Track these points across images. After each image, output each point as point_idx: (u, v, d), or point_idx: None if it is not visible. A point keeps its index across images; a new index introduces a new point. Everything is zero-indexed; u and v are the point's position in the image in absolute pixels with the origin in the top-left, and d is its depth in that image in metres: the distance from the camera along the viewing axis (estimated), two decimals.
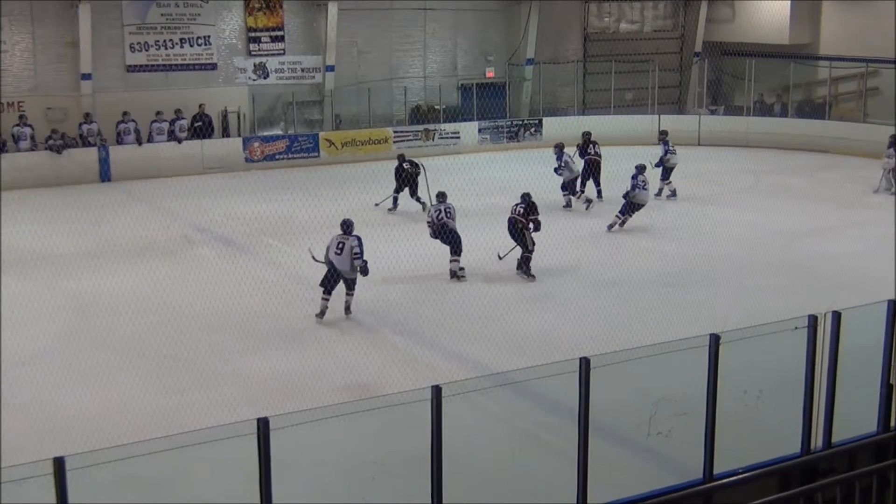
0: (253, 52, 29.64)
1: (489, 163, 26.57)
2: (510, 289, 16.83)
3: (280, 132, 29.68)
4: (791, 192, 24.12)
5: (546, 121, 31.98)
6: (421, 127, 30.58)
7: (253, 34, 29.57)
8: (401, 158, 22.78)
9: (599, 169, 23.68)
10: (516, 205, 17.87)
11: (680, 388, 10.32)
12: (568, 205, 22.63)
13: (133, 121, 26.76)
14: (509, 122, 31.90)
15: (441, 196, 18.16)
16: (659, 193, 23.48)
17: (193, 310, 15.47)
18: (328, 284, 15.19)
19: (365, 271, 15.25)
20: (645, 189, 20.72)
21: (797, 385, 9.18)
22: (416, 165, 21.84)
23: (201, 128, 27.74)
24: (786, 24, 33.26)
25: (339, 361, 13.42)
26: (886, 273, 16.74)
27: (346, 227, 15.50)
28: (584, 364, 8.11)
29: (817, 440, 9.09)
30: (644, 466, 9.98)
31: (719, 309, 14.84)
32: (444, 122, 31.09)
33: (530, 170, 24.40)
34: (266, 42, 29.78)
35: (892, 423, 9.40)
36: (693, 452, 8.81)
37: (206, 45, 28.94)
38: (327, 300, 15.21)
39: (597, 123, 28.74)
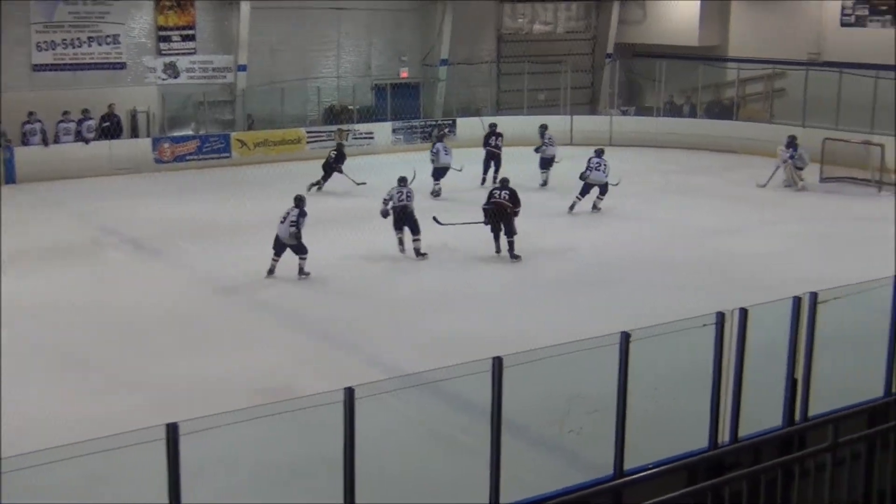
0: (163, 52, 29.19)
1: (403, 163, 26.50)
2: (425, 289, 16.86)
3: (191, 132, 29.27)
4: (701, 191, 24.53)
5: (460, 121, 32.08)
6: (335, 127, 30.42)
7: (163, 33, 29.13)
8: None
9: (500, 161, 25.16)
10: (498, 190, 18.83)
11: (592, 385, 10.42)
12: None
13: (39, 121, 26.16)
14: (423, 123, 31.92)
15: (402, 181, 19.15)
16: (545, 184, 25.16)
17: (104, 314, 15.21)
18: (276, 248, 17.26)
19: (296, 237, 17.11)
20: (598, 171, 21.90)
21: (705, 381, 9.32)
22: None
23: (110, 128, 27.25)
24: (695, 26, 33.85)
25: (253, 365, 13.29)
26: (793, 270, 17.15)
27: (296, 200, 17.49)
28: (497, 363, 8.14)
29: (724, 435, 9.24)
30: (556, 464, 10.07)
31: (631, 307, 15.03)
32: (358, 122, 30.97)
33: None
34: (177, 41, 29.37)
35: (797, 418, 9.61)
36: (604, 449, 8.90)
37: (114, 44, 28.42)
38: (276, 261, 17.19)
39: (510, 123, 28.95)
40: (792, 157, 25.18)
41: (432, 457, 9.94)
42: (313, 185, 24.16)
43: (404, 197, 18.76)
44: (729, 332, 9.20)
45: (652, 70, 33.72)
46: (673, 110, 33.70)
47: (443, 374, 8.82)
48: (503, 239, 18.51)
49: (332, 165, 24.66)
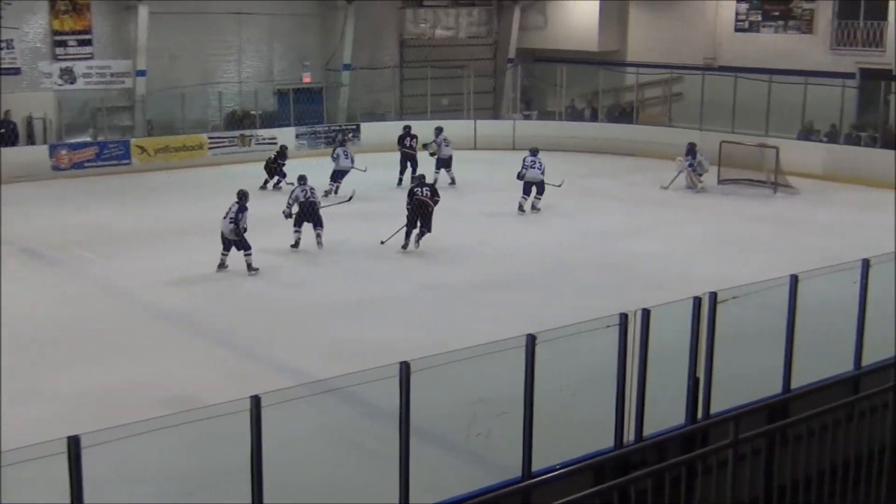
0: (59, 57, 28.57)
1: (306, 168, 26.35)
2: (332, 295, 16.77)
3: (89, 139, 28.68)
4: (603, 194, 24.88)
5: (364, 126, 32.04)
6: (237, 133, 30.12)
7: (59, 38, 28.51)
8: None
9: (416, 162, 25.62)
10: (419, 188, 19.48)
11: (499, 388, 10.49)
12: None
13: None
14: (327, 128, 31.78)
15: (302, 179, 19.92)
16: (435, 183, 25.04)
17: (3, 326, 14.80)
18: (223, 243, 17.69)
19: (236, 233, 17.44)
20: (534, 168, 22.63)
21: (610, 382, 9.46)
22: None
23: (5, 135, 26.58)
24: (595, 31, 34.33)
25: (158, 374, 13.09)
26: (693, 271, 17.49)
27: (239, 196, 17.82)
28: (404, 368, 8.15)
29: (630, 434, 9.39)
30: (465, 467, 10.12)
31: (537, 309, 15.17)
32: (261, 127, 30.71)
33: (348, 175, 24.45)
34: (73, 46, 28.76)
35: (699, 416, 9.80)
36: (512, 451, 8.97)
37: (8, 48, 27.71)
38: (224, 255, 17.68)
39: (414, 128, 28.94)
40: (691, 164, 25.72)
41: (341, 463, 9.91)
42: (262, 187, 24.64)
43: (310, 193, 19.43)
44: (632, 332, 9.35)
45: (553, 75, 34.10)
46: (574, 114, 34.12)
47: (350, 379, 8.78)
48: (414, 235, 19.10)
49: (273, 165, 25.28)
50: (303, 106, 31.58)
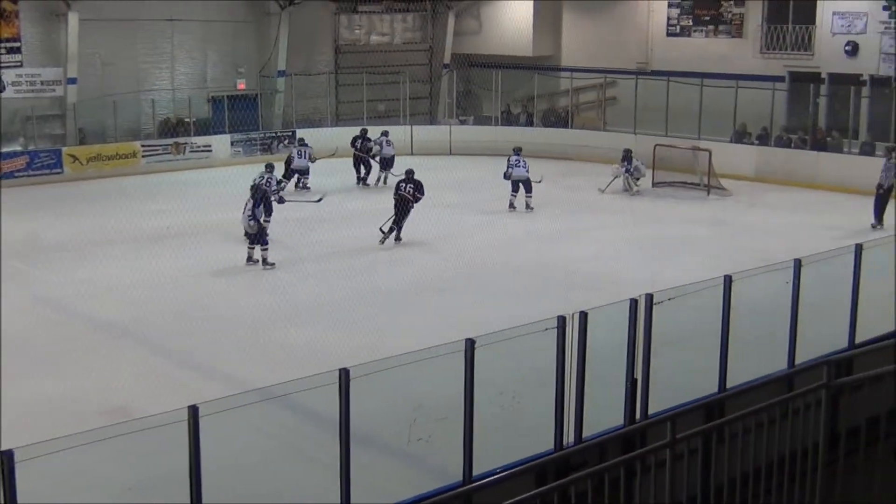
0: None
1: (242, 176, 26.22)
2: (271, 301, 16.63)
3: (19, 148, 28.19)
4: (539, 197, 24.96)
5: (300, 132, 31.84)
6: (171, 140, 29.83)
7: None
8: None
9: (369, 164, 27.26)
10: (404, 182, 20.62)
11: (439, 393, 10.51)
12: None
13: None
14: (262, 135, 31.61)
15: (269, 167, 21.51)
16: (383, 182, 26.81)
17: None
18: (247, 236, 18.59)
19: (254, 228, 18.29)
20: (519, 167, 23.79)
21: (550, 384, 9.52)
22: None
23: None
24: (529, 37, 34.56)
25: (95, 386, 12.89)
26: (629, 273, 17.65)
27: (252, 190, 18.95)
28: (344, 375, 8.14)
29: (570, 436, 9.46)
30: (406, 472, 10.12)
31: (476, 313, 15.20)
32: (195, 135, 30.44)
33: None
34: (1, 54, 28.27)
35: (637, 416, 9.90)
36: (453, 455, 8.99)
37: None
38: (251, 249, 18.55)
39: (350, 135, 28.92)
40: (627, 170, 26.01)
41: (281, 471, 9.86)
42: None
43: (264, 181, 20.73)
44: (570, 335, 9.43)
45: (489, 80, 34.24)
46: (510, 119, 34.31)
47: (290, 387, 8.75)
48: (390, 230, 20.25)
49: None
50: (237, 113, 31.37)
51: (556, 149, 31.48)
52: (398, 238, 20.43)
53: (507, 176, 23.86)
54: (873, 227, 21.27)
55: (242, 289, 17.53)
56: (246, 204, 18.58)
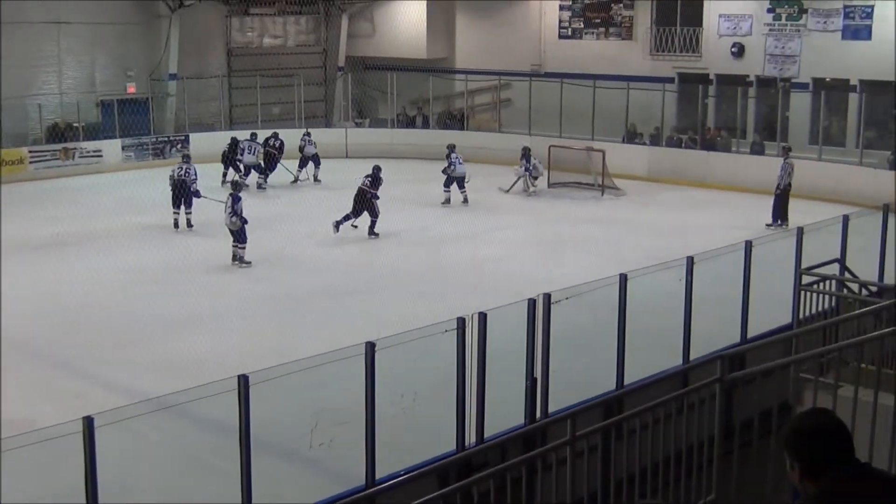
0: None
1: (134, 181, 25.77)
2: (167, 310, 16.32)
3: None
4: (437, 200, 25.05)
5: (193, 136, 31.40)
6: (59, 146, 29.10)
7: None
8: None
9: (275, 163, 27.65)
10: (366, 176, 21.63)
11: (340, 397, 10.47)
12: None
13: None
14: (154, 139, 31.05)
15: (186, 158, 22.39)
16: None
17: None
18: (233, 236, 18.97)
19: (237, 224, 18.76)
20: (459, 164, 24.84)
21: (451, 386, 9.55)
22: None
23: None
24: (423, 39, 34.63)
25: None
26: (526, 273, 17.80)
27: (233, 186, 20.17)
28: (244, 381, 8.05)
29: (471, 437, 9.51)
30: (308, 478, 10.06)
31: (376, 317, 15.16)
32: (84, 140, 29.75)
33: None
34: None
35: (538, 415, 10.00)
36: (355, 459, 8.96)
37: None
38: (237, 247, 18.94)
39: (244, 138, 28.58)
40: (527, 168, 26.24)
41: (180, 480, 9.71)
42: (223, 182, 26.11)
43: (183, 173, 21.60)
44: (470, 336, 9.47)
45: (384, 82, 34.20)
46: (406, 122, 34.33)
47: (187, 395, 8.62)
48: (355, 220, 21.18)
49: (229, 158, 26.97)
50: (128, 117, 30.70)
51: None
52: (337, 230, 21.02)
53: (447, 171, 24.84)
54: (768, 226, 21.77)
55: (138, 297, 17.16)
56: (226, 202, 19.02)
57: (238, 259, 18.82)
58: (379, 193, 21.49)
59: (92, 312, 16.24)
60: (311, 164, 28.14)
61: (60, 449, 7.42)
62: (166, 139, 31.19)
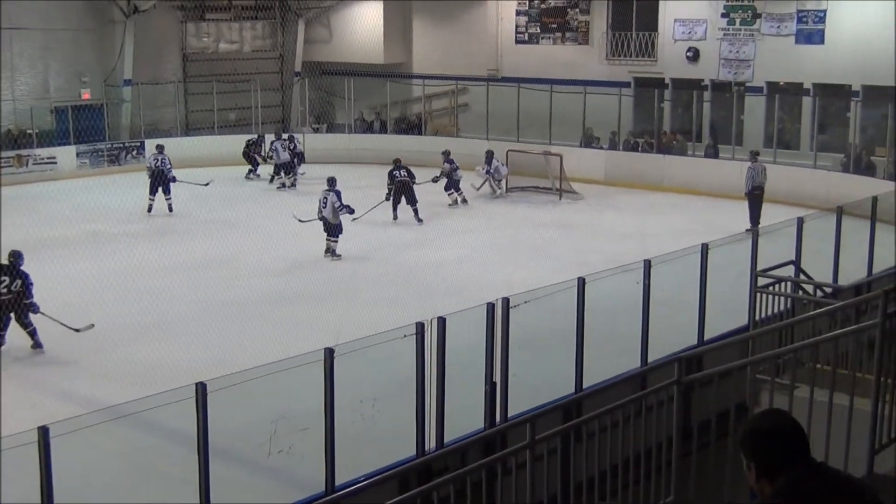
0: None
1: (89, 188, 25.53)
2: (121, 318, 16.16)
3: None
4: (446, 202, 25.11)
5: (148, 143, 31.08)
6: (12, 153, 28.72)
7: None
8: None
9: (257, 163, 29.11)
10: (397, 169, 23.66)
11: (299, 404, 10.42)
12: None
13: None
14: (109, 146, 30.75)
15: (160, 147, 24.10)
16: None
17: None
18: (328, 230, 20.11)
19: (336, 219, 20.03)
20: (457, 169, 25.44)
21: (411, 391, 9.54)
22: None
23: None
24: (380, 44, 34.59)
25: None
26: (485, 277, 17.83)
27: (328, 182, 20.49)
28: (201, 389, 7.99)
29: (431, 442, 9.50)
30: (267, 485, 10.00)
31: (334, 322, 15.10)
32: (38, 146, 29.40)
33: (134, 193, 23.80)
34: None
35: (498, 419, 10.00)
36: (315, 466, 8.92)
37: None
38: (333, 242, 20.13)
39: (201, 144, 28.46)
40: (488, 171, 26.32)
41: (139, 489, 9.61)
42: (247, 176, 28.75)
43: (159, 162, 23.18)
44: (429, 341, 9.46)
45: (341, 88, 34.15)
46: (364, 127, 34.28)
47: (144, 404, 8.53)
48: (401, 210, 23.12)
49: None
50: (83, 123, 30.35)
51: (410, 156, 31.32)
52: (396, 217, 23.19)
53: (436, 180, 25.48)
54: (748, 231, 21.88)
55: (94, 305, 16.98)
56: (325, 197, 20.06)
57: (330, 252, 19.85)
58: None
59: (46, 321, 16.04)
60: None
61: (15, 459, 7.32)
62: (121, 145, 30.91)
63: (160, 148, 24.27)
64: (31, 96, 30.60)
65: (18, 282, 14.57)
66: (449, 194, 25.44)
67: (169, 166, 23.73)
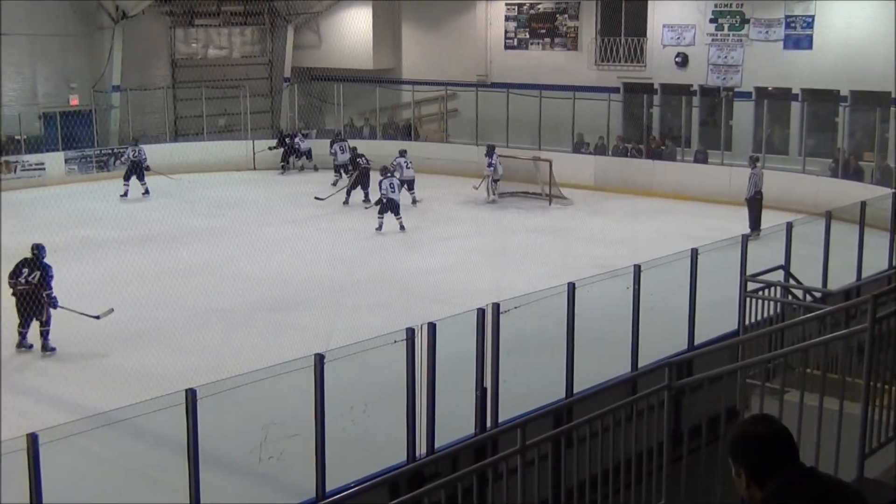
0: None
1: (78, 194, 25.48)
2: (112, 325, 16.07)
3: None
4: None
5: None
6: (0, 159, 28.62)
7: None
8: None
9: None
10: (360, 157, 25.29)
11: (289, 410, 10.41)
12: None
13: None
14: (98, 151, 30.66)
15: (135, 141, 26.03)
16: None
17: None
18: (393, 209, 22.52)
19: (397, 196, 22.61)
20: (409, 169, 25.71)
21: (401, 397, 9.53)
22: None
23: None
24: (369, 50, 34.59)
25: None
26: (475, 283, 17.83)
27: (382, 171, 23.13)
28: (191, 395, 7.97)
29: (422, 447, 9.49)
30: (258, 492, 9.98)
31: (322, 329, 15.08)
32: (27, 153, 29.30)
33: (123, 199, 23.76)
34: None
35: (489, 425, 10.00)
36: (306, 472, 8.91)
37: None
38: (399, 219, 22.21)
39: (190, 150, 28.42)
40: (490, 164, 26.31)
41: (128, 496, 9.58)
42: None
43: (137, 153, 25.33)
44: (419, 346, 9.46)
45: (331, 93, 34.15)
46: (353, 132, 34.23)
47: (133, 410, 8.52)
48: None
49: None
50: (71, 129, 30.26)
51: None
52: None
53: (400, 178, 24.79)
54: (750, 235, 21.87)
55: (73, 314, 16.91)
56: (390, 182, 22.27)
57: (401, 228, 22.23)
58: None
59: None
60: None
61: (4, 466, 7.29)
62: (110, 151, 30.80)
63: (135, 141, 27.23)
64: (19, 102, 30.50)
65: (38, 273, 14.57)
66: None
67: (144, 156, 26.41)
